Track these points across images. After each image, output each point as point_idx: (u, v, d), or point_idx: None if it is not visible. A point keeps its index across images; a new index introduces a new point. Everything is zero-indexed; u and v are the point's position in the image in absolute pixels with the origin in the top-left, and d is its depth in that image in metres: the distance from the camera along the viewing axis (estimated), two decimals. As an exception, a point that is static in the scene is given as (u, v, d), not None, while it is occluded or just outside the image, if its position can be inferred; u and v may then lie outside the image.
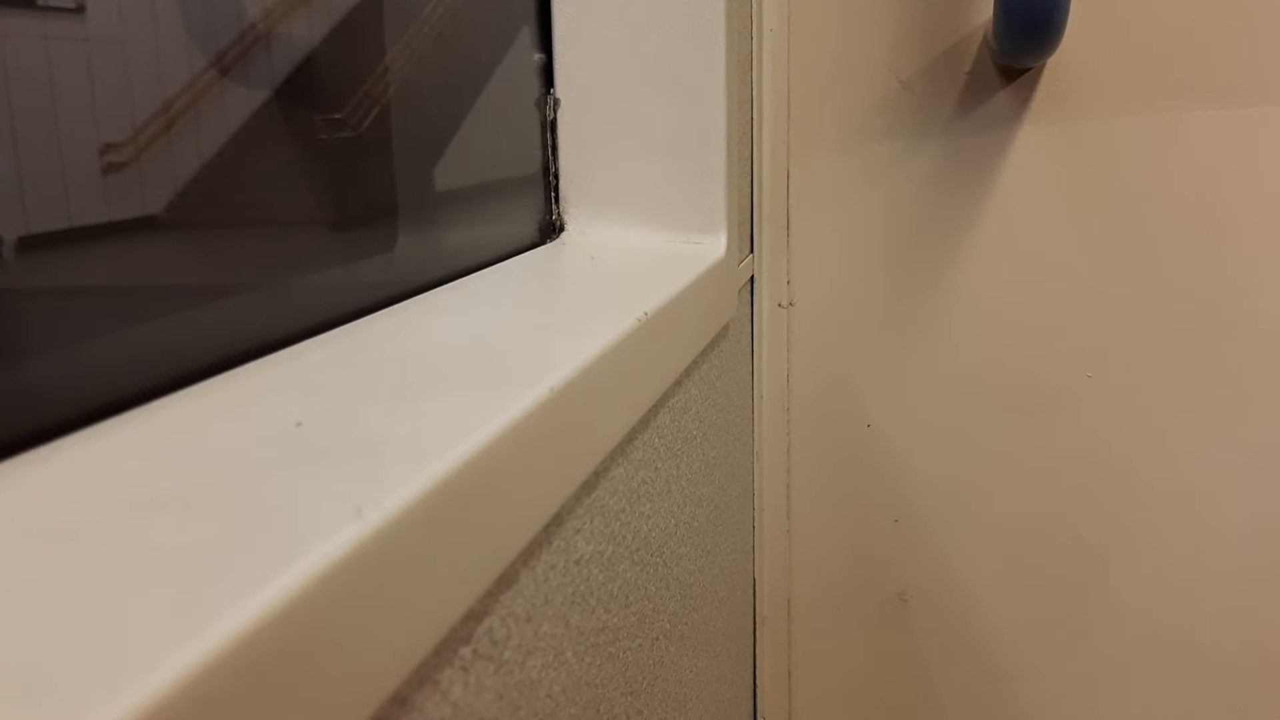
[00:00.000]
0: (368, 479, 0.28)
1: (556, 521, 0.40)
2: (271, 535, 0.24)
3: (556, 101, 0.71)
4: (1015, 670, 0.93)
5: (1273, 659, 0.86)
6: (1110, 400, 0.86)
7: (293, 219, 0.48)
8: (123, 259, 0.39)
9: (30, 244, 0.34)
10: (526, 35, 0.71)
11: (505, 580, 0.35)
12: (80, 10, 0.36)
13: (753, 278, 0.90)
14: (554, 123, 0.72)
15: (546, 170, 0.72)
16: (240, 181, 0.45)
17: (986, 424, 0.90)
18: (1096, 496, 0.88)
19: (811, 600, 0.98)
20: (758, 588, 0.96)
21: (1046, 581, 0.91)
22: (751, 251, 0.89)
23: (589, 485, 0.44)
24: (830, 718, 1.00)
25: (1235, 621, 0.87)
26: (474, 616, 0.33)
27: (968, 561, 0.93)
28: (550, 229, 0.73)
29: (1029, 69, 0.83)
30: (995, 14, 0.76)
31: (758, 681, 0.98)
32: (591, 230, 0.73)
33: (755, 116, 0.87)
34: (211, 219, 0.43)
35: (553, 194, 0.73)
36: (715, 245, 0.70)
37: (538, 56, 0.71)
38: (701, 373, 0.68)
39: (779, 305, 0.92)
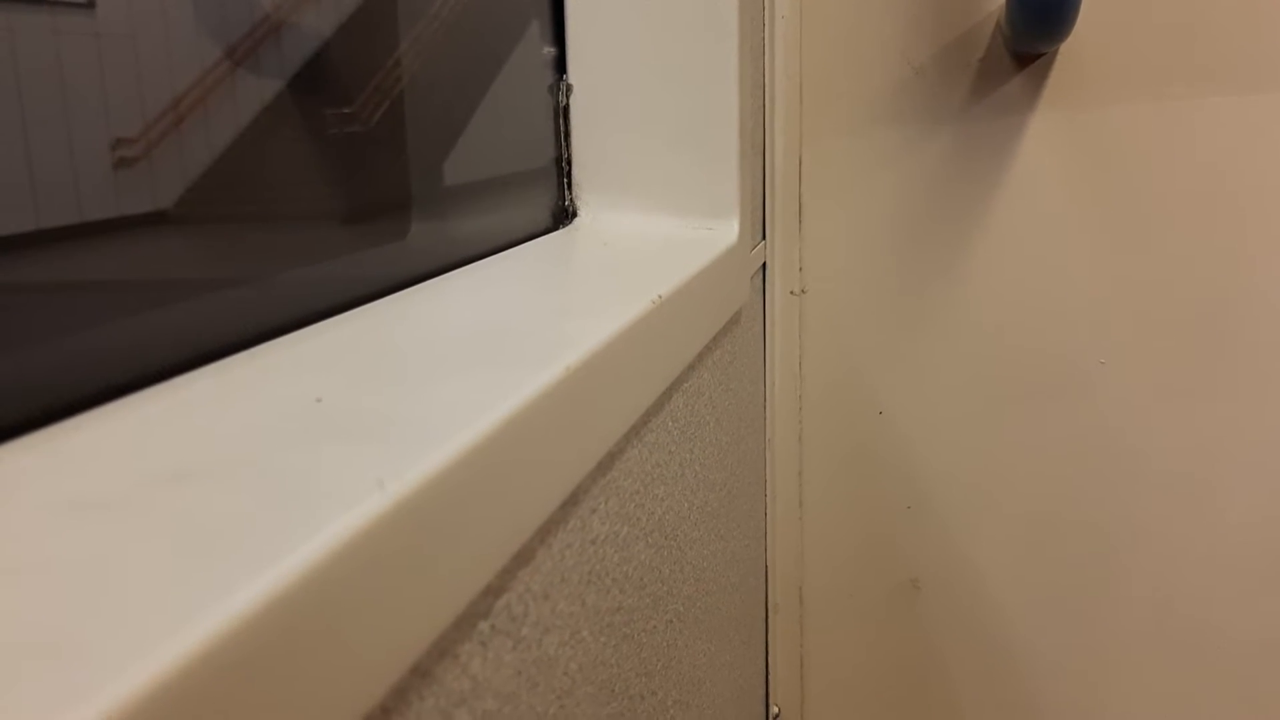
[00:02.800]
0: (388, 453, 0.28)
1: (573, 501, 0.41)
2: (295, 507, 0.25)
3: (569, 88, 0.71)
4: (1027, 656, 0.93)
5: (1286, 646, 0.86)
6: (1124, 387, 0.86)
7: (305, 211, 0.49)
8: (139, 251, 0.39)
9: (46, 238, 0.34)
10: (539, 22, 0.71)
11: (523, 557, 0.36)
12: (91, 5, 0.36)
13: (765, 264, 0.90)
14: (567, 109, 0.72)
15: (559, 157, 0.73)
16: (252, 175, 0.45)
17: (999, 410, 0.90)
18: (1109, 483, 0.88)
19: (824, 587, 0.98)
20: (770, 574, 0.96)
21: (1059, 568, 0.91)
22: (764, 238, 0.89)
23: (604, 466, 0.45)
24: (842, 704, 1.00)
25: (1248, 608, 0.87)
26: (492, 592, 0.33)
27: (980, 548, 0.93)
28: (563, 215, 0.73)
29: (1042, 55, 0.83)
30: (1008, -1, 0.76)
31: (770, 667, 0.98)
32: (604, 216, 0.73)
33: (767, 103, 0.87)
34: (223, 213, 0.43)
35: (565, 180, 0.73)
36: (728, 231, 0.70)
37: (549, 49, 0.71)
38: (714, 358, 0.68)
39: (791, 292, 0.93)
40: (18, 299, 0.34)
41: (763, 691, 0.97)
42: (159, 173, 0.39)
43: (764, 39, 0.85)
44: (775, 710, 0.99)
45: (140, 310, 0.37)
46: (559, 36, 0.71)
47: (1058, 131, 0.84)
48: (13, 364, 0.32)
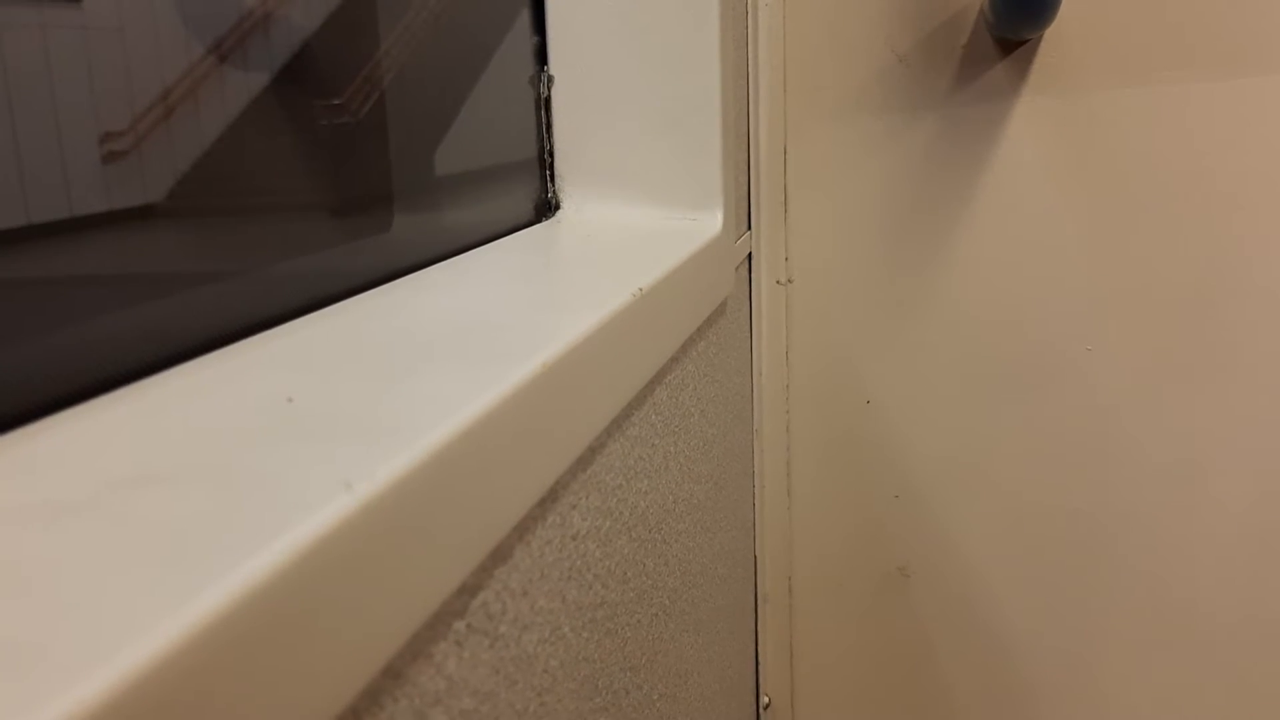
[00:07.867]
0: (358, 453, 0.28)
1: (552, 497, 0.40)
2: (260, 509, 0.24)
3: (550, 79, 0.71)
4: (1017, 644, 0.94)
5: (1274, 630, 0.87)
6: (1110, 373, 0.86)
7: (291, 203, 0.48)
8: (122, 246, 0.39)
9: (30, 234, 0.34)
10: (519, 14, 0.70)
11: (500, 554, 0.35)
12: (78, -1, 0.36)
13: (751, 254, 0.90)
14: (548, 100, 0.71)
15: (541, 148, 0.72)
16: (240, 168, 0.44)
17: (986, 398, 0.90)
18: (1097, 469, 0.88)
19: (813, 576, 0.98)
20: (759, 564, 0.96)
21: (1047, 555, 0.91)
22: (749, 228, 0.88)
23: (584, 461, 0.44)
24: (832, 693, 1.00)
25: (1236, 593, 0.87)
26: (468, 590, 0.33)
27: (969, 536, 0.93)
28: (546, 207, 0.72)
29: (1026, 40, 0.83)
30: (992, -15, 0.75)
31: (760, 658, 0.98)
32: (587, 208, 0.72)
33: (751, 92, 0.87)
34: (211, 205, 0.43)
35: (548, 172, 0.72)
36: (712, 221, 0.70)
37: (529, 40, 0.71)
38: (699, 349, 0.68)
39: (777, 282, 0.92)
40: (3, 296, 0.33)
41: (753, 682, 0.97)
42: (148, 166, 0.39)
43: (747, 27, 0.84)
44: (766, 700, 0.99)
45: (122, 307, 0.37)
46: (539, 27, 0.71)
47: (1043, 117, 0.83)
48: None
